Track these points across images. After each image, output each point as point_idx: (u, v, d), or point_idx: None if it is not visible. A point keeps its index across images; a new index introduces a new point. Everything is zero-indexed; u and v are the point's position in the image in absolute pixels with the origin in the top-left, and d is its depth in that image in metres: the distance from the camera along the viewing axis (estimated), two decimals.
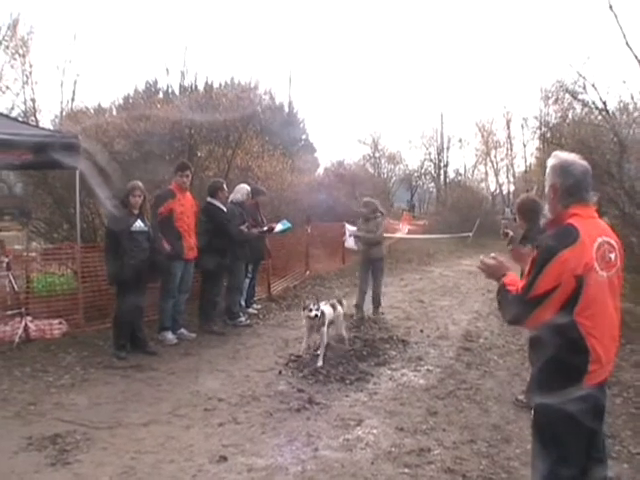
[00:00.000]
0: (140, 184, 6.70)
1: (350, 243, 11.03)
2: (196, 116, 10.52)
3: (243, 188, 8.47)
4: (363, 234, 9.17)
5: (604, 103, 10.39)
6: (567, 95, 14.20)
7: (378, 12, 52.69)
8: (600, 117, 11.19)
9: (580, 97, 11.49)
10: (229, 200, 8.08)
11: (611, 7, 8.58)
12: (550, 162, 2.73)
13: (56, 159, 7.11)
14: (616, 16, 8.62)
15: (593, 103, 10.79)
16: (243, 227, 7.94)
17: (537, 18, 57.62)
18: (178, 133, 10.54)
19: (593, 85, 10.19)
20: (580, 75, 10.50)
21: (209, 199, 7.74)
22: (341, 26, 64.93)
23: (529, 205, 5.37)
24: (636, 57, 8.55)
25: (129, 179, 7.20)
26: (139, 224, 6.55)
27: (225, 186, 7.91)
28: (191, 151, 10.83)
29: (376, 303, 9.21)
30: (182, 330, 7.37)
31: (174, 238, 7.03)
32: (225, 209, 7.76)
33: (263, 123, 13.92)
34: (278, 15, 60.57)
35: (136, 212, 6.60)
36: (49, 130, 9.83)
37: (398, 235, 20.87)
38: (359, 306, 9.00)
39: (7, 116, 10.96)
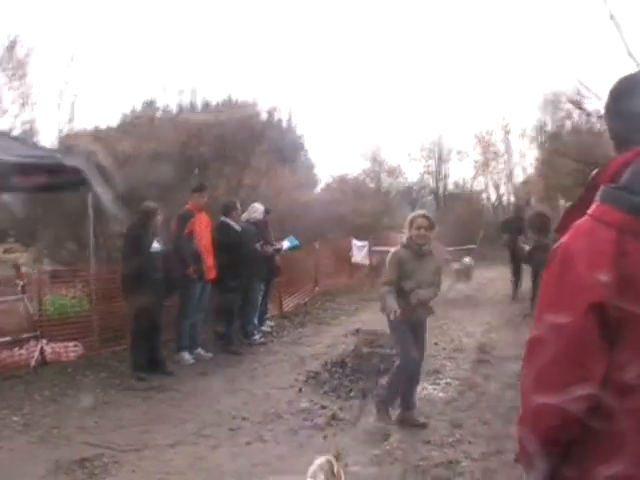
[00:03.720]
0: (156, 205, 6.73)
1: (358, 258, 10.82)
2: (204, 135, 10.61)
3: (259, 207, 8.51)
4: (419, 291, 5.10)
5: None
6: (565, 104, 14.34)
7: (377, 25, 53.04)
8: (599, 125, 11.27)
9: (584, 106, 11.57)
10: (245, 219, 8.12)
11: (612, 17, 8.69)
12: None
13: (70, 181, 7.17)
14: (618, 26, 8.73)
15: (596, 112, 10.88)
16: (257, 245, 7.97)
17: (533, 23, 58.09)
18: (186, 153, 10.60)
19: (597, 95, 10.28)
20: (582, 84, 10.61)
21: (223, 218, 7.77)
22: (339, 39, 65.32)
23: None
24: (639, 66, 8.64)
25: (141, 199, 7.23)
26: (155, 245, 6.58)
27: (238, 205, 7.95)
28: (200, 170, 10.88)
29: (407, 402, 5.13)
30: (199, 350, 7.36)
31: (195, 259, 7.06)
32: (239, 228, 7.80)
33: (267, 140, 14.01)
34: (275, 28, 60.94)
35: (152, 233, 6.62)
36: (59, 151, 9.87)
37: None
38: (386, 405, 5.11)
39: (16, 138, 10.90)
